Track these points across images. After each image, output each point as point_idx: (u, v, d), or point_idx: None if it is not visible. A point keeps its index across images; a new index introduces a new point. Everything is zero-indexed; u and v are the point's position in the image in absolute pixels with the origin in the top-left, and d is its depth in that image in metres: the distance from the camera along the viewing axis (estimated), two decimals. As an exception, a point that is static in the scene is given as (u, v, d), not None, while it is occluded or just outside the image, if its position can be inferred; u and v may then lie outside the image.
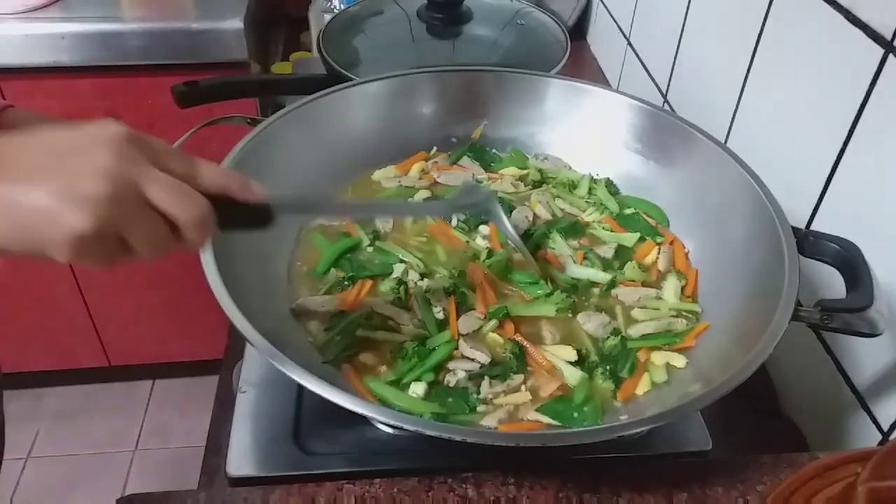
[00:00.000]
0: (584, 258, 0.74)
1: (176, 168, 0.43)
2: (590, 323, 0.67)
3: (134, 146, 0.41)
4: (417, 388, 0.60)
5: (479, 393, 0.61)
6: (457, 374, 0.62)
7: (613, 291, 0.70)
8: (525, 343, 0.65)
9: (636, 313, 0.69)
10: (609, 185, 0.83)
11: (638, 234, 0.76)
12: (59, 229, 0.38)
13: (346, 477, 0.57)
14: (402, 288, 0.68)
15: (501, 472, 0.57)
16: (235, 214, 0.47)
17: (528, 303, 0.69)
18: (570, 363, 0.63)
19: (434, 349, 0.63)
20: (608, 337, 0.66)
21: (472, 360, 0.63)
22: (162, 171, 0.42)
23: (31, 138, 0.41)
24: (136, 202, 0.41)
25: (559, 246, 0.74)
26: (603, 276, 0.71)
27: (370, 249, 0.73)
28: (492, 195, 0.72)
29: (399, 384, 0.61)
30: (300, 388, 0.63)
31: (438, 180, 0.82)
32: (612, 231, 0.77)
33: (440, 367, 0.63)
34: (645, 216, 0.79)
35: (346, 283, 0.69)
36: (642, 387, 0.62)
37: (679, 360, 0.64)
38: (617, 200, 0.81)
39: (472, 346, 0.64)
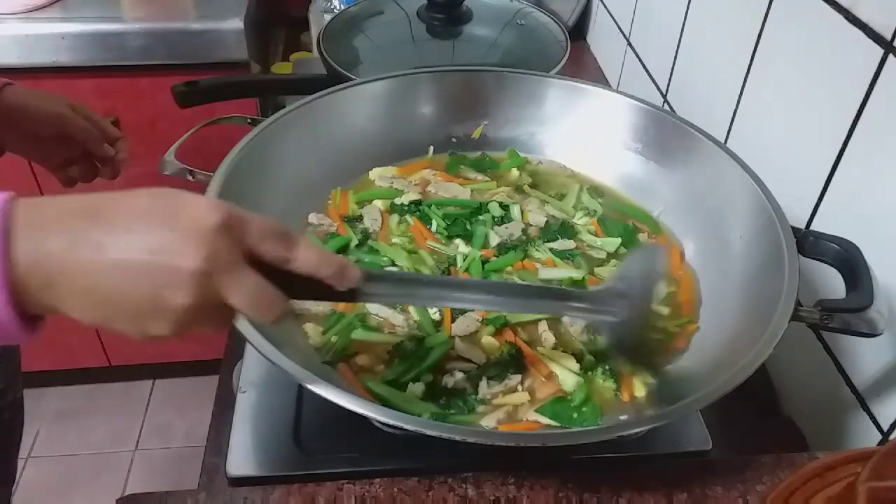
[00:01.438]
0: (567, 260, 0.74)
1: (270, 252, 0.42)
2: (575, 324, 0.67)
3: (228, 237, 0.40)
4: (416, 389, 0.60)
5: (477, 394, 0.61)
6: (454, 374, 0.62)
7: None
8: (521, 345, 0.65)
9: None
10: (591, 190, 0.83)
11: (619, 240, 0.76)
12: (146, 331, 0.41)
13: (346, 477, 0.57)
14: None
15: (501, 472, 0.57)
16: (317, 290, 0.46)
17: None
18: (570, 370, 0.63)
19: (431, 349, 0.63)
20: (595, 337, 0.66)
21: (469, 360, 0.63)
22: (255, 255, 0.42)
23: (126, 224, 0.39)
24: (214, 305, 0.41)
25: (540, 253, 0.74)
26: (576, 273, 0.71)
27: (362, 249, 0.73)
28: (625, 314, 0.54)
29: (398, 384, 0.61)
30: (300, 388, 0.63)
31: (430, 189, 0.82)
32: (596, 235, 0.77)
33: (438, 368, 0.63)
34: (636, 223, 0.79)
35: None
36: (638, 389, 0.62)
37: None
38: (608, 206, 0.81)
39: (468, 346, 0.64)
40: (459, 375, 0.62)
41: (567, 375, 0.62)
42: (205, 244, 0.39)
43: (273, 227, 0.43)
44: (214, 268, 0.39)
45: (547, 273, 0.72)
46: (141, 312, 0.40)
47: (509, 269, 0.72)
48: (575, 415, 0.60)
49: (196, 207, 0.40)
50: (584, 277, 0.71)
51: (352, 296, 0.47)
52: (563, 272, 0.72)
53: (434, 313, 0.67)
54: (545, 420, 0.60)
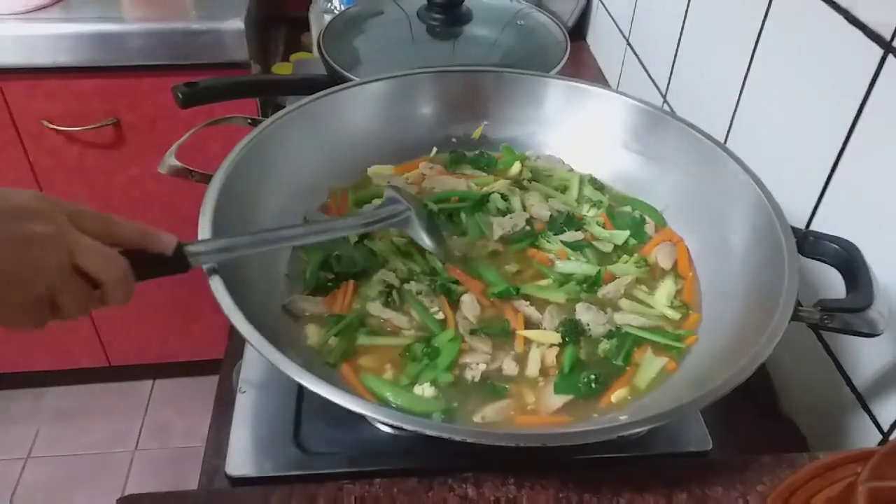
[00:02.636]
0: (578, 252, 0.74)
1: (94, 228, 0.47)
2: (586, 315, 0.67)
3: (55, 208, 0.45)
4: (424, 391, 0.60)
5: (504, 379, 0.61)
6: (475, 367, 0.62)
7: (606, 287, 0.70)
8: (514, 320, 0.66)
9: (623, 303, 0.69)
10: (593, 181, 0.83)
11: (627, 232, 0.76)
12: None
13: (346, 477, 0.57)
14: (394, 292, 0.68)
15: (501, 472, 0.57)
16: (151, 265, 0.51)
17: (539, 286, 0.70)
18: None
19: (440, 348, 0.63)
20: (602, 340, 0.66)
21: (482, 351, 0.63)
22: (82, 231, 0.46)
23: None
24: (67, 270, 0.45)
25: (551, 245, 0.74)
26: (590, 270, 0.71)
27: (359, 248, 0.73)
28: (410, 207, 0.68)
29: (410, 386, 0.61)
30: (300, 388, 0.63)
31: (425, 185, 0.82)
32: (604, 227, 0.78)
33: (453, 366, 0.62)
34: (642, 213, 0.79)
35: (329, 284, 0.69)
36: (618, 395, 0.62)
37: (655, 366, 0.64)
38: (613, 198, 0.81)
39: (476, 338, 0.64)
40: (483, 367, 0.62)
41: (534, 363, 0.63)
42: (40, 204, 0.44)
43: (88, 208, 0.48)
44: (57, 222, 0.44)
45: (563, 266, 0.72)
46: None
47: (509, 267, 0.72)
48: (582, 381, 0.61)
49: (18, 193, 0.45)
50: (599, 272, 0.71)
51: (183, 264, 0.53)
52: (578, 266, 0.72)
53: (437, 313, 0.67)
54: (565, 398, 0.61)
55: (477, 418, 0.59)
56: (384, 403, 0.59)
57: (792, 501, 0.48)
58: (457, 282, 0.69)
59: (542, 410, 0.60)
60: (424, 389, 0.60)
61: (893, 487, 0.43)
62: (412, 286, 0.69)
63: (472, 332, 0.65)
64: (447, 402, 0.60)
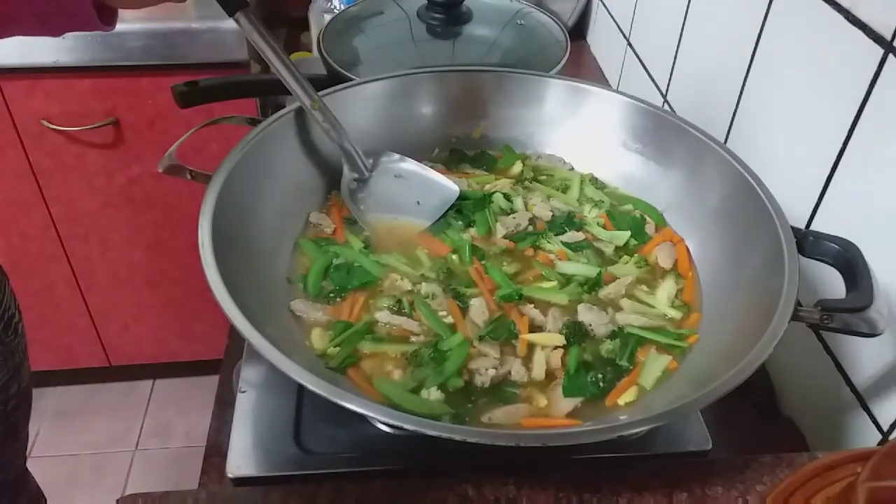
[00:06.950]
0: (578, 253, 0.74)
1: None
2: (588, 315, 0.67)
3: None
4: (431, 395, 0.60)
5: (514, 385, 0.61)
6: (484, 373, 0.62)
7: (607, 288, 0.70)
8: (519, 329, 0.65)
9: (624, 303, 0.69)
10: (594, 181, 0.83)
11: (629, 233, 0.76)
12: None
13: (346, 476, 0.57)
14: (404, 299, 0.67)
15: (501, 472, 0.57)
16: None
17: (542, 288, 0.69)
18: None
19: (449, 352, 0.62)
20: (605, 340, 0.66)
21: (491, 356, 0.63)
22: None
23: None
24: None
25: (552, 245, 0.74)
26: (592, 271, 0.71)
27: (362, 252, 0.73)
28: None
29: (416, 390, 0.60)
30: (300, 388, 0.63)
31: None
32: (604, 228, 0.78)
33: (461, 371, 0.62)
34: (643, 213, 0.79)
35: (331, 295, 0.68)
36: (626, 396, 0.61)
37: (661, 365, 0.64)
38: (613, 198, 0.81)
39: (485, 344, 0.64)
40: (492, 372, 0.61)
41: (539, 367, 0.63)
42: None
43: None
44: None
45: (564, 267, 0.72)
46: None
47: (505, 266, 0.72)
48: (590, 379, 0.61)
49: None
50: (599, 273, 0.71)
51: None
52: (578, 268, 0.72)
53: (446, 317, 0.66)
54: (576, 400, 0.60)
55: (485, 419, 0.59)
56: (387, 404, 0.59)
57: (791, 501, 0.48)
58: (468, 285, 0.69)
59: (552, 414, 0.60)
60: (430, 394, 0.60)
61: (893, 487, 0.43)
62: (422, 287, 0.68)
63: (481, 338, 0.64)
64: (454, 406, 0.59)
